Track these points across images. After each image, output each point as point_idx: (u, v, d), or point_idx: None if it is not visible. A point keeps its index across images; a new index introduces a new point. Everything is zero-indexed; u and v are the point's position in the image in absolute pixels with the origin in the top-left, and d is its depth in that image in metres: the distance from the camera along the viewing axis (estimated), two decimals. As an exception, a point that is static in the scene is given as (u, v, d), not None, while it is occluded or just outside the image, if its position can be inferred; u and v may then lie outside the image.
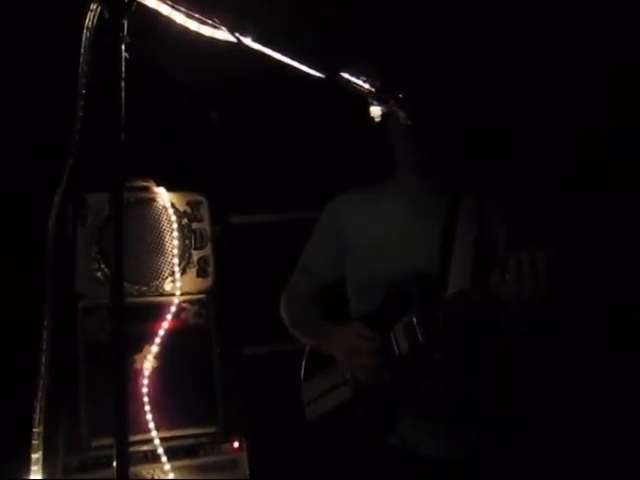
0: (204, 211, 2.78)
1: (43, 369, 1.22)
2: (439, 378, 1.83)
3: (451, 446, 1.84)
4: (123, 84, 1.20)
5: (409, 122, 1.80)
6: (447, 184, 2.01)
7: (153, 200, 2.70)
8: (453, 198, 1.97)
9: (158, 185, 2.72)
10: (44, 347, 1.21)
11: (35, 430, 1.19)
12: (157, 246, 2.68)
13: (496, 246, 1.91)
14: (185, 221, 2.74)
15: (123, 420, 1.17)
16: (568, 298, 2.03)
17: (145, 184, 2.69)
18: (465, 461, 1.83)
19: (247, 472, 2.60)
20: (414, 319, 1.80)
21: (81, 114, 1.22)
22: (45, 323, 1.21)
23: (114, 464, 1.10)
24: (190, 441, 2.57)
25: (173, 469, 2.49)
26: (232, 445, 2.62)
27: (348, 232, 2.06)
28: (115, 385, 1.17)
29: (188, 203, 2.76)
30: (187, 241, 2.72)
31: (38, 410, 1.20)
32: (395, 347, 1.83)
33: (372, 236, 2.00)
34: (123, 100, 1.20)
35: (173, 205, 2.73)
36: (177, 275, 2.68)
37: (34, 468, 1.19)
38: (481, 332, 1.83)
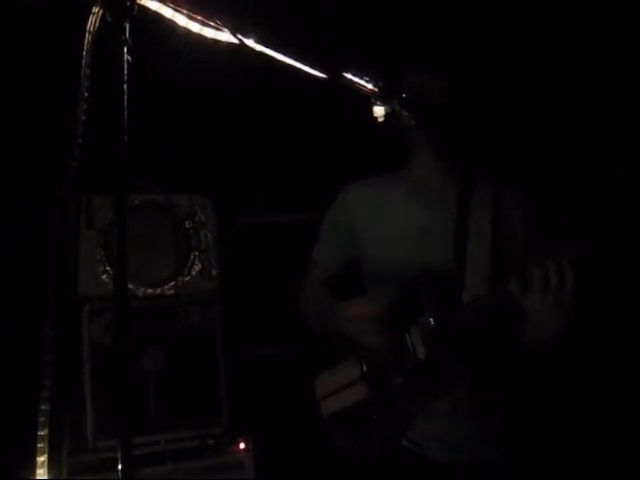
0: (209, 213, 2.79)
1: (47, 372, 1.22)
2: (452, 384, 1.81)
3: (459, 452, 1.82)
4: (126, 87, 1.20)
5: (413, 122, 1.79)
6: (461, 175, 1.95)
7: (158, 202, 2.70)
8: (467, 189, 1.92)
9: (163, 187, 2.73)
10: (48, 350, 1.21)
11: (40, 433, 1.20)
12: (162, 248, 2.69)
13: (514, 239, 1.85)
14: (190, 223, 2.75)
15: (127, 422, 1.16)
16: (595, 307, 1.98)
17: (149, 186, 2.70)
18: (472, 468, 1.80)
19: (253, 473, 2.61)
20: (431, 323, 1.75)
21: (84, 117, 1.22)
22: (48, 326, 1.21)
23: (119, 466, 1.10)
24: (196, 442, 2.58)
25: (179, 471, 2.49)
26: (238, 446, 2.63)
27: (357, 224, 2.01)
28: (118, 387, 1.16)
29: (193, 205, 2.77)
30: (192, 243, 2.73)
31: (43, 413, 1.20)
32: (412, 352, 1.77)
33: (382, 230, 1.95)
34: (126, 103, 1.20)
35: (178, 207, 2.73)
36: (182, 277, 2.69)
37: (39, 472, 1.19)
38: (500, 340, 1.78)
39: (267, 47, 1.47)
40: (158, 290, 2.66)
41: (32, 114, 2.46)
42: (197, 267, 2.73)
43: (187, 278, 2.70)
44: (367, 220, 1.99)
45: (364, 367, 1.86)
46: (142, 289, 2.63)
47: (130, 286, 2.58)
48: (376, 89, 1.62)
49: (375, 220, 1.98)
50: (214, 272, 2.75)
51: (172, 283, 2.68)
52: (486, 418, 1.84)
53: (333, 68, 1.55)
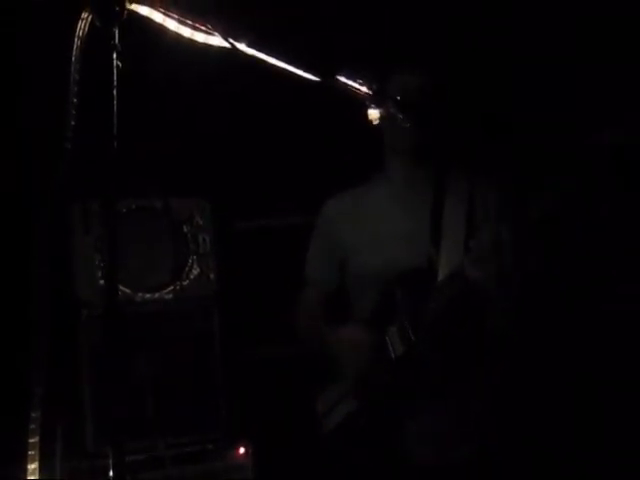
0: (207, 216, 2.78)
1: (37, 379, 1.21)
2: (432, 377, 1.82)
3: (448, 453, 1.83)
4: (115, 92, 1.20)
5: (408, 125, 1.80)
6: (439, 176, 1.98)
7: (155, 206, 2.70)
8: (442, 189, 1.95)
9: (161, 191, 2.73)
10: (38, 355, 1.21)
11: (31, 441, 1.19)
12: (160, 252, 2.68)
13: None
14: (188, 227, 2.74)
15: (121, 427, 1.16)
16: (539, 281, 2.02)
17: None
18: (462, 468, 1.81)
19: (253, 478, 2.60)
20: (404, 319, 1.81)
21: (73, 123, 1.22)
22: (39, 331, 1.21)
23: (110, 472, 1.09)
24: (195, 447, 2.58)
25: (179, 475, 2.48)
26: (238, 451, 2.62)
27: (342, 236, 2.05)
28: (112, 391, 1.16)
29: (191, 209, 2.77)
30: (190, 247, 2.73)
31: (34, 420, 1.19)
32: (391, 350, 1.82)
33: (365, 235, 1.99)
34: (115, 108, 1.19)
35: (176, 211, 2.73)
36: (180, 281, 2.68)
37: (31, 479, 1.19)
38: (468, 323, 1.82)
39: (259, 51, 1.46)
40: (156, 295, 2.65)
41: (24, 123, 2.46)
42: (195, 271, 2.72)
43: (185, 282, 2.70)
44: (350, 229, 2.04)
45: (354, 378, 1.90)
46: (140, 294, 2.62)
47: (128, 291, 2.58)
48: (370, 92, 1.63)
49: (358, 227, 2.02)
50: (212, 276, 2.74)
51: (170, 287, 2.67)
52: (465, 411, 1.85)
53: (327, 71, 1.54)
